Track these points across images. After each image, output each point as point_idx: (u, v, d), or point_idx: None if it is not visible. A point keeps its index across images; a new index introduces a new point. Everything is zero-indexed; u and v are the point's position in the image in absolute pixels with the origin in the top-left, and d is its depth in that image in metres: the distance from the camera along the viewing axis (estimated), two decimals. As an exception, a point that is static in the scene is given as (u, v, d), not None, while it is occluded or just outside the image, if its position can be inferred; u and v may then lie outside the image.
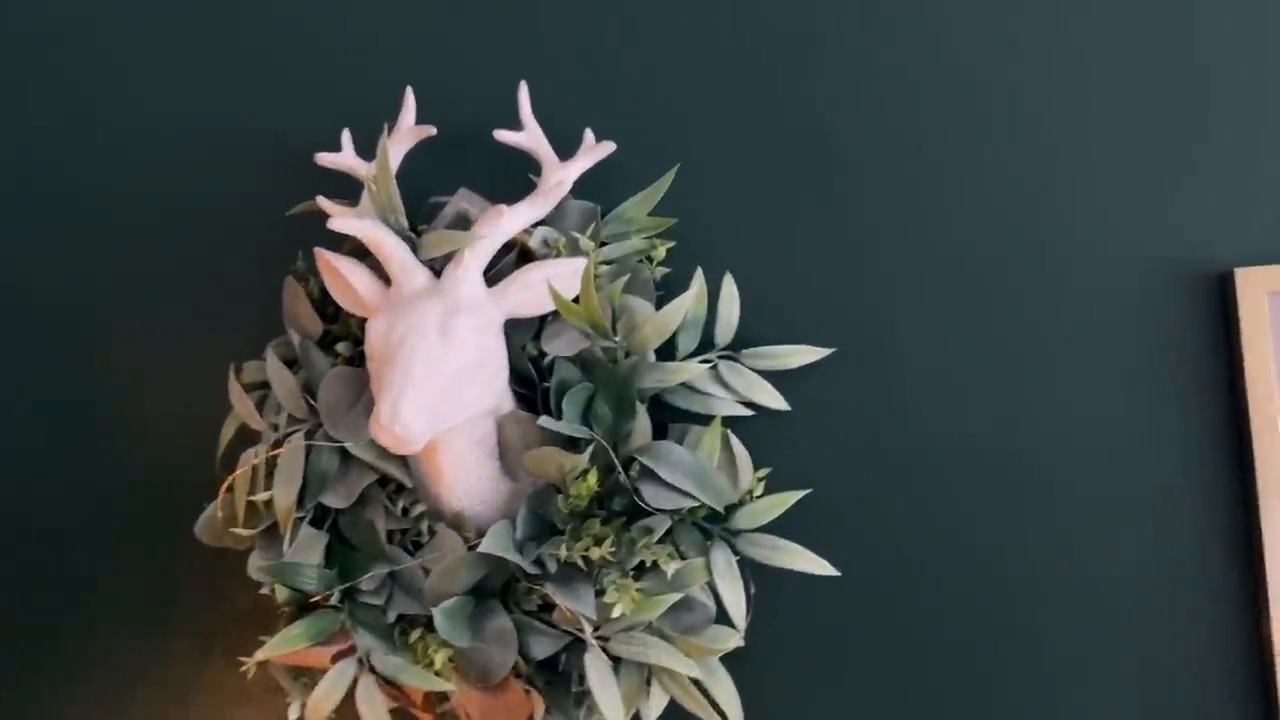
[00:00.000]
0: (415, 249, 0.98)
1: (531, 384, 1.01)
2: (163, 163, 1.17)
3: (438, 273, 0.97)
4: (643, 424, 0.99)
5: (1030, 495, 1.01)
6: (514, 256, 1.02)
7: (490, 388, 0.96)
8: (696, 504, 0.96)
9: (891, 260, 1.05)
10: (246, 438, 1.06)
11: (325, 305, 1.06)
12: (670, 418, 1.03)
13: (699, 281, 1.02)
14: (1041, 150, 1.03)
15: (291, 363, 1.06)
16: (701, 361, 1.01)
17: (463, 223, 1.02)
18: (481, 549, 0.94)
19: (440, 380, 0.90)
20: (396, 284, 0.97)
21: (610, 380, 0.97)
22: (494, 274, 1.00)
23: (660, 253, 1.05)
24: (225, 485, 1.03)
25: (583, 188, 1.04)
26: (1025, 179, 1.03)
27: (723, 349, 1.02)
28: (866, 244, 1.05)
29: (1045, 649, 1.00)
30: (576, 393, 0.98)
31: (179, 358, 1.15)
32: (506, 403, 1.00)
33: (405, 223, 0.99)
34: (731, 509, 0.98)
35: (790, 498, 0.98)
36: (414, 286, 0.96)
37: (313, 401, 1.02)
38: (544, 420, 0.96)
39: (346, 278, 0.98)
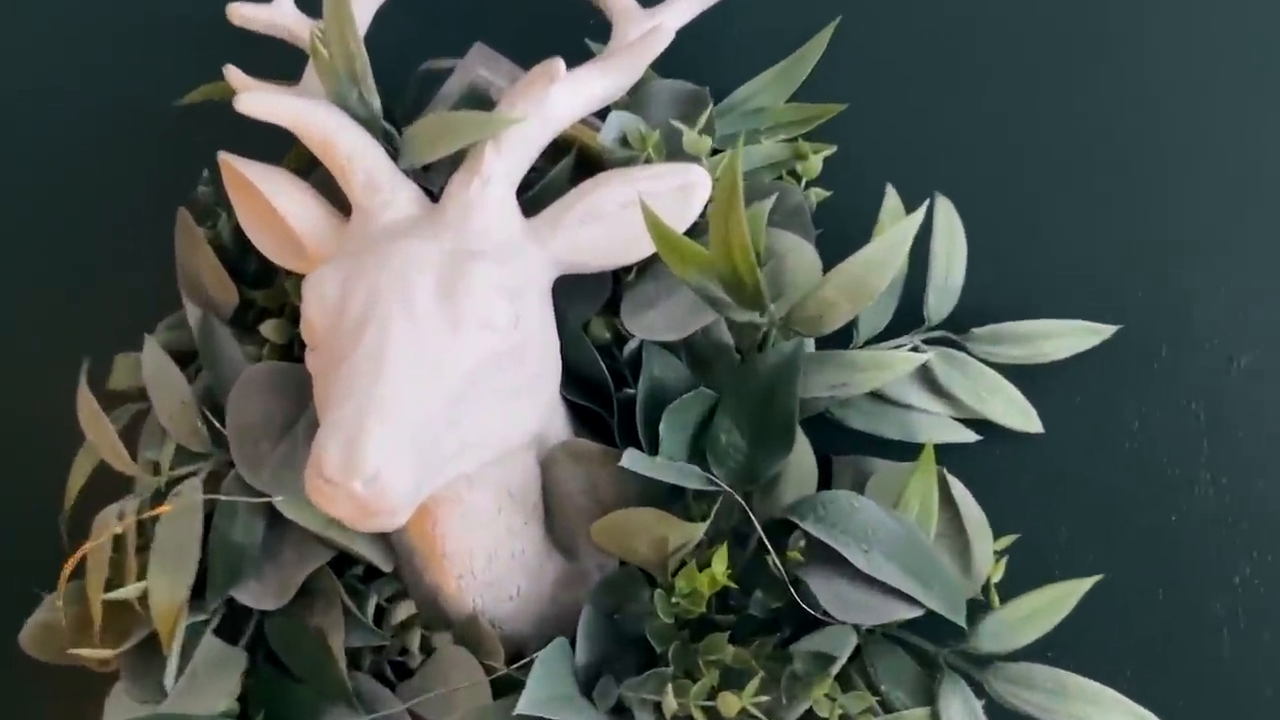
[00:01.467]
0: (395, 153, 0.55)
1: (602, 391, 0.58)
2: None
3: (435, 197, 0.54)
4: (803, 463, 0.55)
5: None
6: (568, 164, 0.58)
7: (530, 401, 0.52)
8: (911, 610, 0.53)
9: (1220, 184, 0.61)
10: (109, 485, 0.62)
11: (243, 258, 0.62)
12: (834, 446, 0.59)
13: (896, 207, 0.58)
14: None
15: (188, 357, 0.62)
16: (908, 350, 0.57)
17: (479, 100, 0.58)
18: (522, 708, 0.50)
19: (439, 397, 0.47)
20: (361, 212, 0.53)
21: (748, 384, 0.54)
22: (533, 197, 0.56)
23: (814, 166, 0.61)
24: (69, 566, 0.60)
25: (668, 63, 0.61)
26: None
27: (933, 328, 0.59)
28: (1171, 150, 0.62)
29: None
30: (684, 406, 0.54)
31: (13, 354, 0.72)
32: (557, 425, 0.57)
33: (378, 106, 0.56)
34: (971, 615, 0.54)
35: (1073, 591, 0.54)
36: (392, 216, 0.52)
37: (219, 424, 0.58)
38: (627, 458, 0.52)
39: (270, 202, 0.55)
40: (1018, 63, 0.64)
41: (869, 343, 0.58)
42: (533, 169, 0.55)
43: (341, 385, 0.46)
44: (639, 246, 0.53)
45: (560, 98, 0.52)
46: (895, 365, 0.53)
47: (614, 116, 0.56)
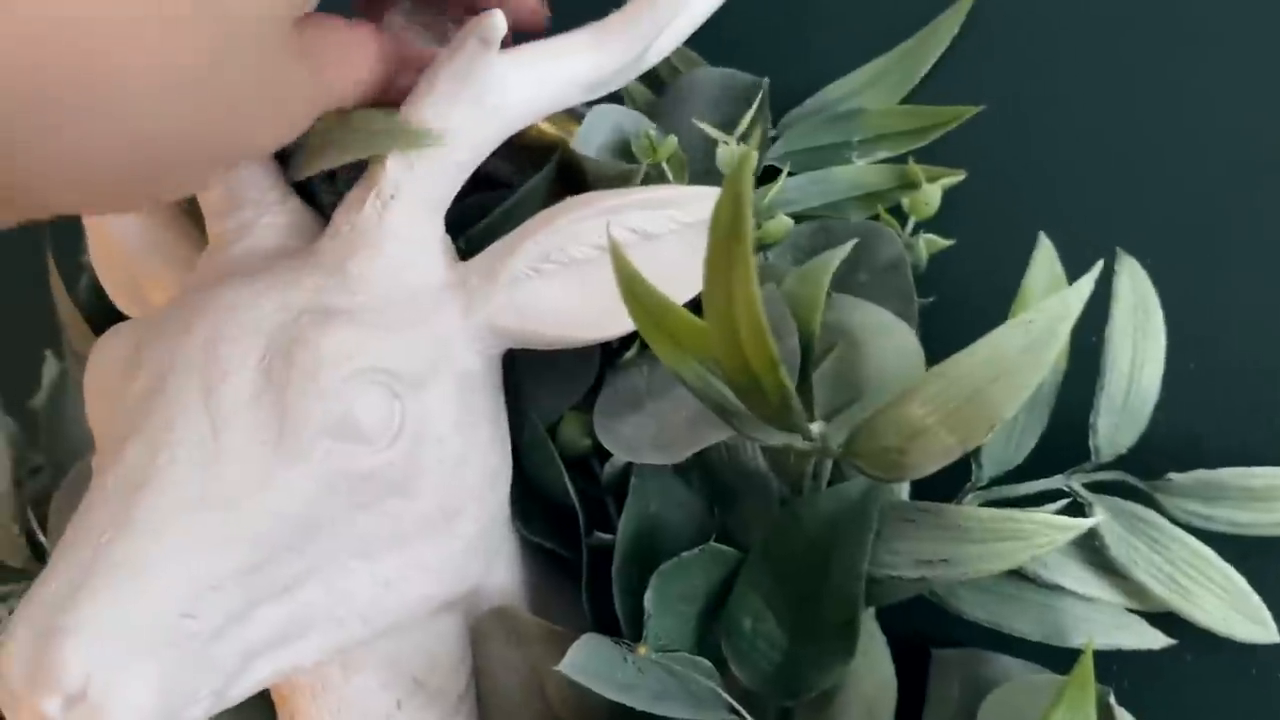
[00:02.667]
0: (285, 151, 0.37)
1: (568, 515, 0.38)
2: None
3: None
4: (875, 673, 0.34)
5: None
6: (544, 180, 0.39)
7: (428, 553, 0.33)
8: None
9: None
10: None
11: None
12: (936, 629, 0.38)
13: (1051, 269, 0.36)
14: None
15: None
16: (1059, 503, 0.35)
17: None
18: None
19: (233, 558, 0.28)
20: (211, 241, 0.35)
21: (790, 543, 0.33)
22: (483, 230, 0.37)
23: (929, 198, 0.40)
24: None
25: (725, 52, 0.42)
26: None
27: (1103, 466, 0.36)
28: None
29: None
30: (687, 569, 0.34)
31: None
32: (502, 573, 0.37)
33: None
34: None
35: None
36: (245, 248, 0.34)
37: (42, 536, 0.41)
38: (575, 655, 0.32)
39: (102, 224, 0.37)
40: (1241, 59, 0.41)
41: (997, 482, 0.36)
42: (483, 185, 0.36)
43: (71, 531, 0.28)
44: (626, 315, 0.33)
45: (515, 77, 0.33)
46: (1037, 536, 0.31)
47: (598, 113, 0.37)
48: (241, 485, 0.28)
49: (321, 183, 0.37)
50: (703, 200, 0.34)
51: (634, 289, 0.29)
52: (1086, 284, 0.28)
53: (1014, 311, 0.35)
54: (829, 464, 0.33)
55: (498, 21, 0.31)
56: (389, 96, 0.34)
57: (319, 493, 0.29)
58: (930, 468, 0.30)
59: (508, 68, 0.33)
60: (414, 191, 0.33)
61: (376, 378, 0.30)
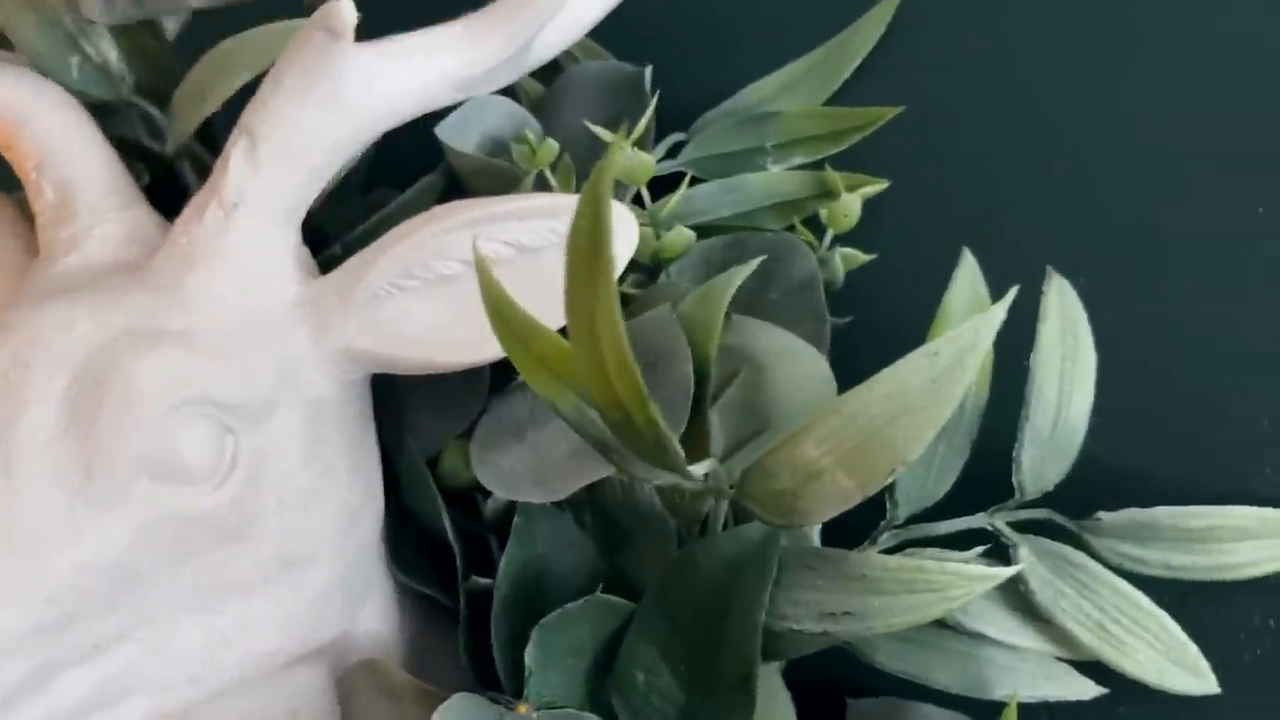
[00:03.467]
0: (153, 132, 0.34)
1: (449, 557, 0.34)
2: None
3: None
4: (775, 734, 0.31)
5: None
6: (431, 185, 0.35)
7: (273, 603, 0.29)
8: None
9: None
10: None
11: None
12: (853, 678, 0.35)
13: (972, 286, 0.33)
14: None
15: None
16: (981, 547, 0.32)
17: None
18: None
19: (30, 614, 0.24)
20: (42, 251, 0.32)
21: (686, 590, 0.30)
22: (351, 242, 0.34)
23: (847, 209, 0.37)
24: None
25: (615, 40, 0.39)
26: None
27: (1028, 503, 0.33)
28: None
29: None
30: (573, 620, 0.31)
31: None
32: (373, 620, 0.34)
33: (130, 77, 0.34)
34: None
35: None
36: (73, 262, 0.30)
37: None
38: (449, 711, 0.29)
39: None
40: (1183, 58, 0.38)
41: (914, 520, 0.33)
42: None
43: None
44: (487, 344, 0.30)
45: (373, 72, 0.30)
46: (951, 588, 0.28)
47: (476, 104, 0.33)
48: (41, 534, 0.25)
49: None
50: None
51: (500, 310, 0.26)
52: (999, 310, 0.25)
53: (932, 335, 0.32)
54: (724, 505, 0.30)
55: (346, 10, 0.28)
56: None
57: (136, 541, 0.26)
58: (828, 513, 0.27)
59: (369, 62, 0.30)
60: (261, 199, 0.29)
61: (203, 409, 0.27)
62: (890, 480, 0.25)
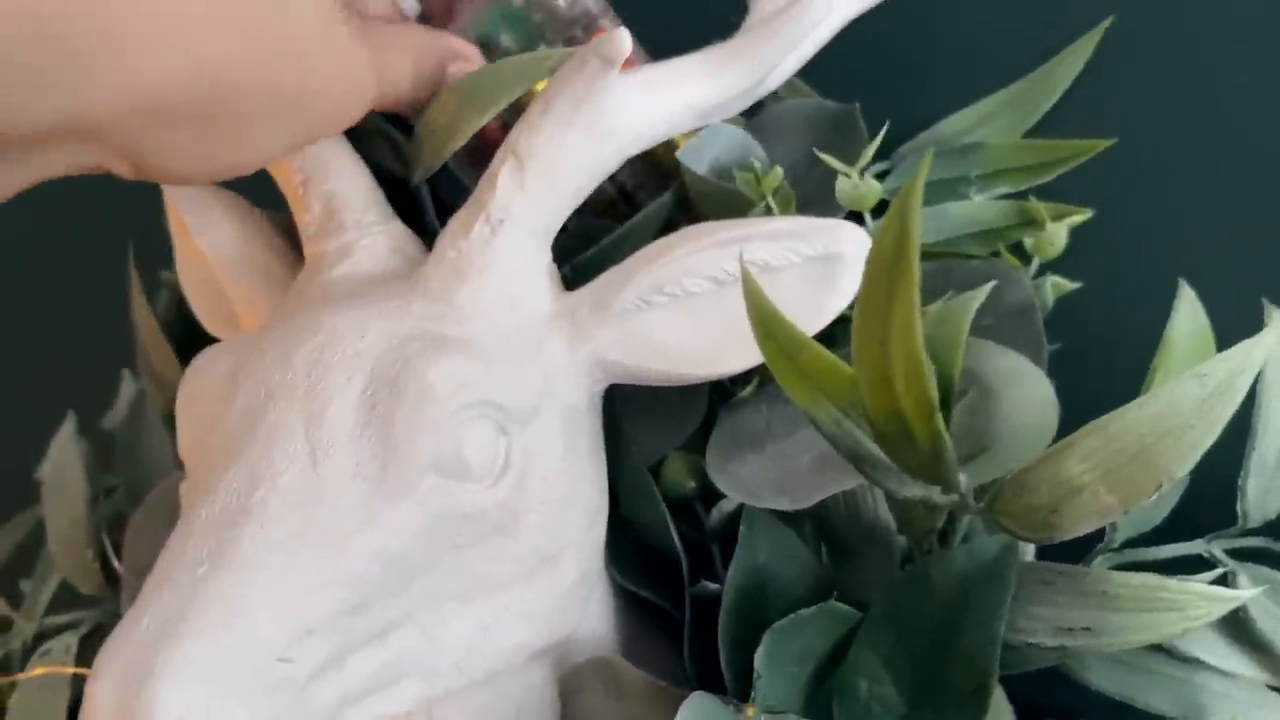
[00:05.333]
0: (399, 158, 0.36)
1: (665, 563, 0.36)
2: None
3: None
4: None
5: None
6: (663, 207, 0.37)
7: (529, 598, 0.31)
8: None
9: None
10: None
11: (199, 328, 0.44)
12: (1059, 701, 0.35)
13: (1194, 320, 0.34)
14: None
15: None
16: (1210, 573, 0.33)
17: (524, 33, 0.37)
18: None
19: (332, 599, 0.26)
20: (309, 263, 0.34)
21: (916, 604, 0.31)
22: (590, 259, 0.36)
23: (1054, 238, 0.38)
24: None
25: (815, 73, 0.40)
26: None
27: (1248, 531, 0.34)
28: None
29: None
30: (801, 627, 0.32)
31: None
32: (592, 623, 0.35)
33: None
34: None
35: None
36: (345, 272, 0.33)
37: (117, 562, 0.40)
38: (689, 710, 0.30)
39: (191, 239, 0.36)
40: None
41: (1129, 545, 0.34)
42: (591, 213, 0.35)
43: (163, 564, 0.26)
44: (741, 350, 0.31)
45: (632, 99, 0.32)
46: (1190, 608, 0.29)
47: (711, 132, 0.35)
48: (343, 522, 0.27)
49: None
50: (828, 233, 0.32)
51: (767, 323, 0.28)
52: (1270, 335, 0.26)
53: (1157, 365, 0.33)
54: (965, 519, 0.31)
55: (623, 40, 0.29)
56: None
57: (421, 532, 0.28)
58: (1083, 528, 0.27)
59: (628, 90, 0.31)
60: (525, 216, 0.31)
61: (485, 411, 0.29)
62: (1155, 497, 0.26)
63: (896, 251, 0.22)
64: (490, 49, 0.36)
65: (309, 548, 0.26)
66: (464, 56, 0.35)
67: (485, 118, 0.33)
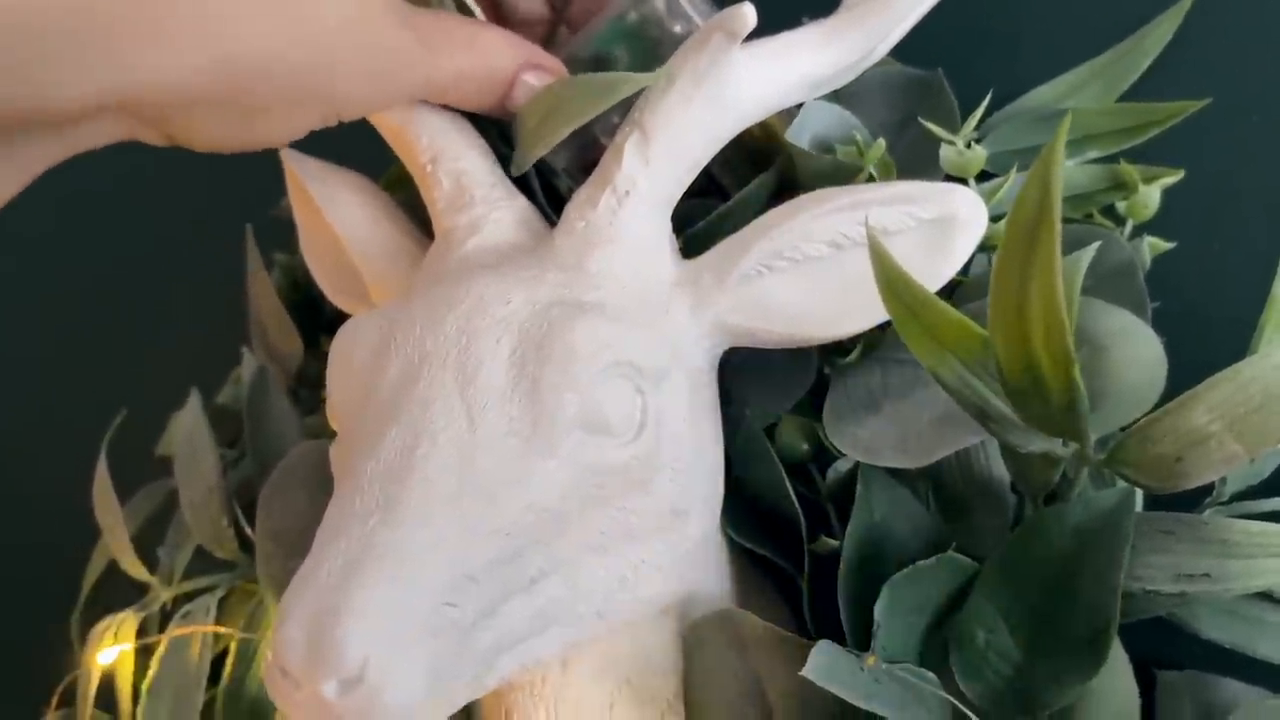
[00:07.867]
0: (507, 146, 0.37)
1: (790, 534, 0.37)
2: None
3: (551, 217, 0.36)
4: (1118, 691, 0.33)
5: None
6: (767, 182, 0.38)
7: (659, 550, 0.32)
8: None
9: None
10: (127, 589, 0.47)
11: (316, 305, 0.46)
12: (1157, 650, 0.36)
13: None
14: None
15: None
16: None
17: (639, 49, 0.38)
18: None
19: (491, 547, 0.28)
20: (441, 236, 0.35)
21: (1033, 554, 0.32)
22: (702, 230, 0.37)
23: (1147, 200, 0.39)
24: (58, 693, 0.44)
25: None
26: None
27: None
28: None
29: None
30: (919, 579, 0.33)
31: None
32: (712, 582, 0.36)
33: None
34: None
35: None
36: (479, 243, 0.34)
37: (250, 529, 0.42)
38: (815, 661, 0.31)
39: (322, 214, 0.38)
40: None
41: (1237, 498, 0.35)
42: (702, 190, 0.36)
43: (334, 516, 0.28)
44: (859, 313, 0.32)
45: (750, 72, 0.33)
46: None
47: (811, 109, 0.36)
48: (498, 477, 0.28)
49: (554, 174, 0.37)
50: (943, 196, 0.33)
51: (894, 284, 0.29)
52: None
53: (1266, 320, 0.33)
54: (1084, 473, 0.32)
55: (749, 14, 0.31)
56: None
57: (568, 486, 0.29)
58: (1208, 476, 0.28)
59: (746, 62, 0.33)
60: (649, 187, 0.33)
61: (624, 371, 0.30)
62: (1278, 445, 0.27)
63: (1040, 207, 0.24)
64: (606, 63, 0.37)
65: (469, 500, 0.28)
66: (543, 67, 0.35)
67: (566, 131, 0.33)
